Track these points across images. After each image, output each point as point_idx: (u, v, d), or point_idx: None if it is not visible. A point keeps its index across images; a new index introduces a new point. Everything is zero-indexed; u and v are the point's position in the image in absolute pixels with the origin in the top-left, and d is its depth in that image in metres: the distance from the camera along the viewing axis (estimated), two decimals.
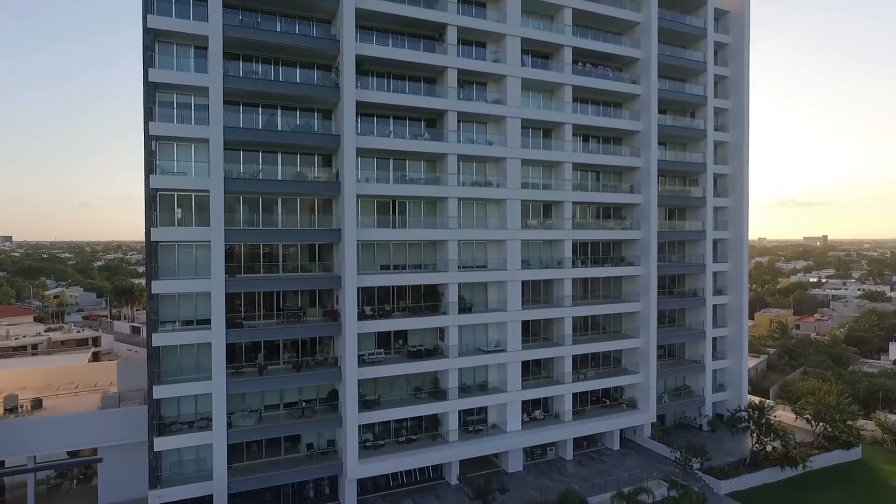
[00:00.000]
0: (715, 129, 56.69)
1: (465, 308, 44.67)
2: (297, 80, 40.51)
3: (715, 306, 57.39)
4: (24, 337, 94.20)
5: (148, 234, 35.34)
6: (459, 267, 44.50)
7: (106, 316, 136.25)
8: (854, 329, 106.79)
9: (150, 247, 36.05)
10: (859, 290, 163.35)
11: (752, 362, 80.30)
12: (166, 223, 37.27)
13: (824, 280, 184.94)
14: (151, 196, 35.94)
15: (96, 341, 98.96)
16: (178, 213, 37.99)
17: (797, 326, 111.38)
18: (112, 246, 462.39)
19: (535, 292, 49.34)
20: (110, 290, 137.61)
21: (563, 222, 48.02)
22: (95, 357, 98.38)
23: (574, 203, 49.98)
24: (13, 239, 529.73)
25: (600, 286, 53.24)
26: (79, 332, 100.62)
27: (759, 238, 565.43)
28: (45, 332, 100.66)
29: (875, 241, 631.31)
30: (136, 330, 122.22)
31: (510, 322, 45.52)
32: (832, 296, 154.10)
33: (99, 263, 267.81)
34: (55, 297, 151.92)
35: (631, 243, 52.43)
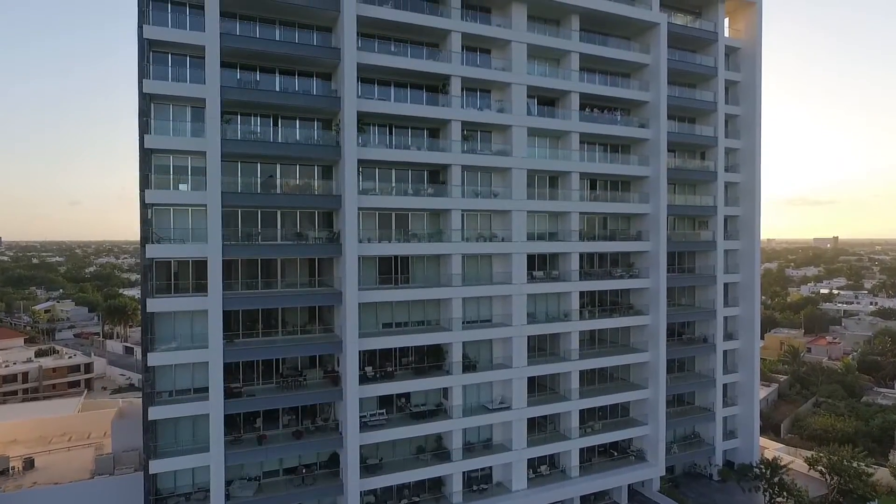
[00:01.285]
0: (725, 171, 56.52)
1: (469, 366, 44.65)
2: (297, 139, 40.47)
3: (725, 351, 57.39)
4: (15, 364, 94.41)
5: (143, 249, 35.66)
6: (464, 323, 44.46)
7: (98, 334, 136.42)
8: (867, 353, 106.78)
9: (147, 318, 36.08)
10: (872, 303, 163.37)
11: (762, 392, 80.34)
12: (163, 287, 37.27)
13: (836, 292, 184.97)
14: (146, 211, 36.03)
15: (88, 367, 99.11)
16: (174, 281, 37.99)
17: (808, 350, 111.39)
18: (104, 247, 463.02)
19: (542, 345, 49.29)
20: (103, 308, 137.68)
21: (570, 273, 47.94)
22: (88, 385, 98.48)
23: (581, 253, 49.79)
24: (2, 239, 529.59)
25: (608, 336, 53.23)
26: (71, 357, 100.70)
27: (768, 239, 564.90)
28: (35, 356, 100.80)
29: (887, 241, 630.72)
30: (129, 350, 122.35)
31: (515, 379, 45.49)
32: (844, 311, 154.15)
33: (91, 269, 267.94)
34: (46, 311, 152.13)
35: (639, 292, 52.35)
